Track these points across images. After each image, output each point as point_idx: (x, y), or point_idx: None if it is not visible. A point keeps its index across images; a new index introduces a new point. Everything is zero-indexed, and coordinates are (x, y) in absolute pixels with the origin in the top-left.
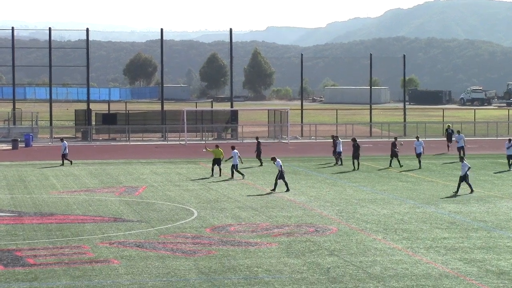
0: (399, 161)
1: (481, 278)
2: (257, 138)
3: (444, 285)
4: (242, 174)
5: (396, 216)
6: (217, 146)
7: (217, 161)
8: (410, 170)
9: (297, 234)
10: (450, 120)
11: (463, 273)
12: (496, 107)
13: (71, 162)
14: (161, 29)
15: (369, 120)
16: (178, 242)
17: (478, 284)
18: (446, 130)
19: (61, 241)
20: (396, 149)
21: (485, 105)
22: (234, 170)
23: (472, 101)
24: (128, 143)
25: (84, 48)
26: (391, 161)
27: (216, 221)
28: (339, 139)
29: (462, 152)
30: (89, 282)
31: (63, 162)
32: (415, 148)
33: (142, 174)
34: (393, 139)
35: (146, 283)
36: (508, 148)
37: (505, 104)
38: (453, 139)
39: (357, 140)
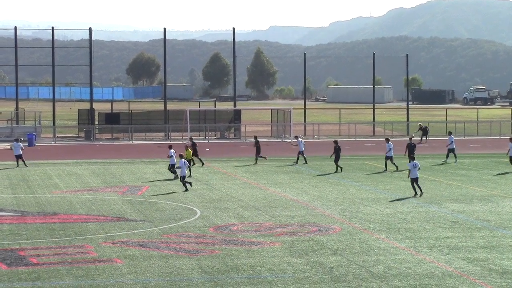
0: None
1: (484, 277)
2: (190, 139)
3: (447, 284)
4: (176, 176)
5: (399, 215)
6: (186, 148)
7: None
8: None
9: (300, 234)
10: (454, 119)
11: (466, 272)
12: (499, 107)
13: (18, 164)
14: (164, 29)
15: (372, 120)
16: (181, 242)
17: (481, 283)
18: (419, 125)
19: (64, 240)
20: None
21: (488, 105)
22: (172, 170)
23: (475, 101)
24: (131, 142)
25: (87, 47)
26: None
27: (219, 221)
28: (300, 138)
29: (453, 153)
30: (92, 281)
31: (17, 163)
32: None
33: (145, 174)
34: (409, 141)
35: (149, 282)
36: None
37: (508, 103)
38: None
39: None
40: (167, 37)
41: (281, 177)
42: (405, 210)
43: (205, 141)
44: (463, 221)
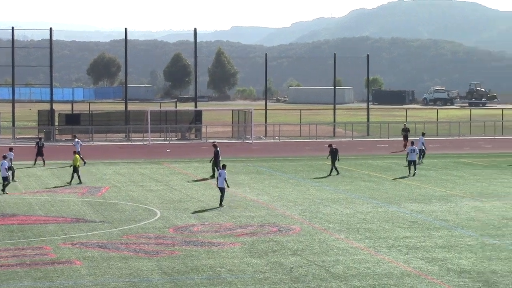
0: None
1: (442, 276)
2: (40, 139)
3: (405, 284)
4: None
5: (358, 215)
6: (75, 153)
7: (75, 169)
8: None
9: (260, 234)
10: (413, 120)
11: (424, 272)
12: (458, 107)
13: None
14: (125, 29)
15: (332, 120)
16: (141, 243)
17: (439, 282)
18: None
19: (23, 242)
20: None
21: (448, 105)
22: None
23: (435, 101)
24: (91, 143)
25: (48, 47)
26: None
27: (179, 221)
28: (77, 138)
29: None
30: (51, 283)
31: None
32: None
33: (105, 175)
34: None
35: (109, 284)
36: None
37: (467, 104)
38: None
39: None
40: (128, 37)
41: (241, 178)
42: (365, 210)
43: (166, 142)
44: (422, 221)
